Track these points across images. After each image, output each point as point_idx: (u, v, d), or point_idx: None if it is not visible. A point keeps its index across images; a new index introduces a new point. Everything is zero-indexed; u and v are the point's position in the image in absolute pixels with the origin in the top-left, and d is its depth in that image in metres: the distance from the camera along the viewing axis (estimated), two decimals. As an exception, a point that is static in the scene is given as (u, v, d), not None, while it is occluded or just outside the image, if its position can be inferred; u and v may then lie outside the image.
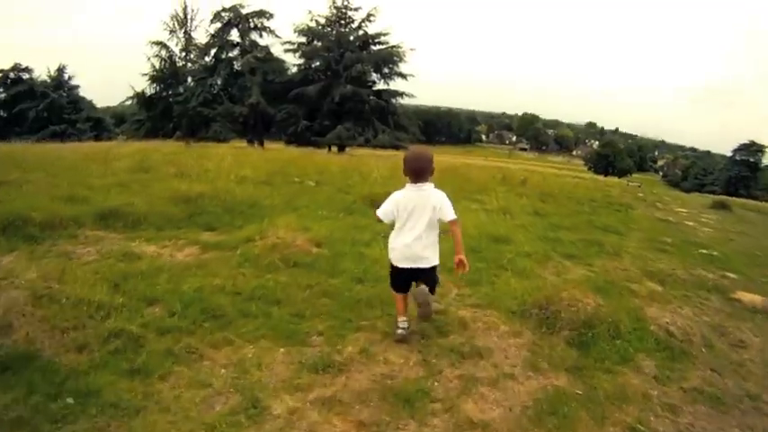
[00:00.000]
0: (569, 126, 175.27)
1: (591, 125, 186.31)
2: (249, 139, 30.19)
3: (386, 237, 3.60)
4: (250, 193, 7.64)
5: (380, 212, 3.30)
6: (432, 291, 3.29)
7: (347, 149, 29.10)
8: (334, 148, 29.28)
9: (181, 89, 30.68)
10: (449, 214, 3.15)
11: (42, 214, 5.33)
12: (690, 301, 4.86)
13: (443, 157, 35.95)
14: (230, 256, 4.67)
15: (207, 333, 3.22)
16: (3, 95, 38.09)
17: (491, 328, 3.66)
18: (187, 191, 6.89)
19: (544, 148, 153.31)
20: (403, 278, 3.31)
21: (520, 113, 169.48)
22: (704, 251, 7.57)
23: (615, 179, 51.46)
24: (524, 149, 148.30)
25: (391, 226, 3.35)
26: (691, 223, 11.70)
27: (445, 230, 3.32)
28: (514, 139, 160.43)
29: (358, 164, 13.53)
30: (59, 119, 37.23)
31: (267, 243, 4.78)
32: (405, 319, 3.36)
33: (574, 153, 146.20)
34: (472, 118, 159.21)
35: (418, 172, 3.20)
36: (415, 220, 3.19)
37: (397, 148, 28.54)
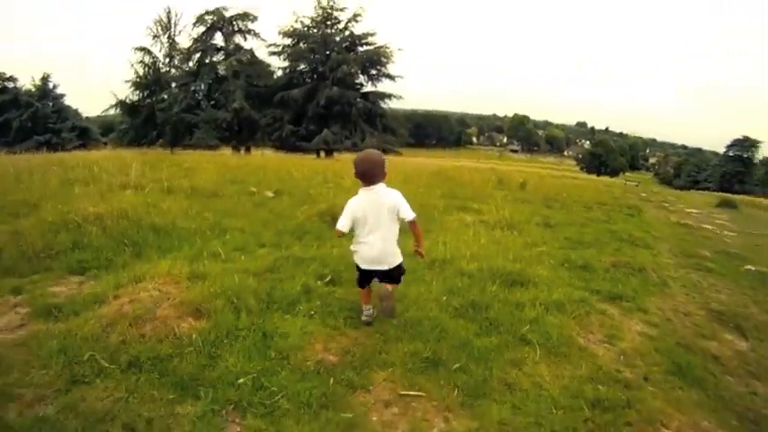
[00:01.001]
0: (559, 126, 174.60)
1: (581, 125, 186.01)
2: (234, 146, 28.50)
3: (330, 283, 3.40)
4: (170, 211, 5.71)
5: (339, 225, 3.17)
6: (398, 281, 3.32)
7: (335, 154, 27.40)
8: (323, 153, 27.67)
9: (164, 95, 28.90)
10: (408, 214, 3.11)
11: None
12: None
13: (433, 159, 34.12)
14: (45, 339, 2.68)
15: None
16: (-13, 105, 36.87)
17: None
18: (74, 211, 4.92)
19: (535, 148, 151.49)
20: (369, 277, 3.28)
21: (510, 115, 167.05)
22: (751, 267, 6.34)
23: (609, 178, 50.38)
24: (515, 151, 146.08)
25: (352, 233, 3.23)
26: (709, 227, 10.58)
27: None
28: (505, 140, 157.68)
29: (329, 169, 11.55)
30: (44, 128, 36.16)
31: (111, 312, 2.81)
32: (370, 306, 3.35)
33: (565, 153, 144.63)
34: (462, 120, 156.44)
35: (368, 174, 3.11)
36: (374, 224, 3.12)
37: (385, 151, 26.73)
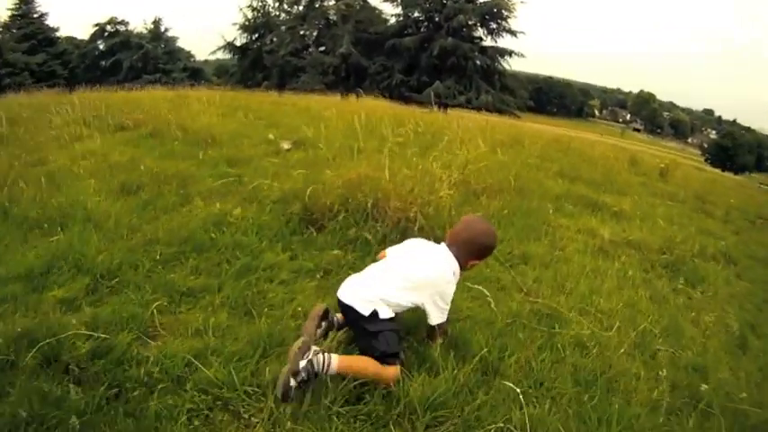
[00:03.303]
0: (685, 111, 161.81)
1: (707, 112, 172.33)
2: (342, 92, 27.97)
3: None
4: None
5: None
6: (372, 353, 1.98)
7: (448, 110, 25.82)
8: (437, 107, 26.06)
9: (273, 38, 29.52)
10: (432, 317, 2.17)
11: None
12: None
13: (552, 128, 31.12)
14: None
15: None
16: (102, 46, 39.47)
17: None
18: None
19: (659, 131, 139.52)
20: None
21: (635, 91, 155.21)
22: None
23: (733, 175, 47.70)
24: (638, 130, 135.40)
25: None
26: None
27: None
28: (628, 117, 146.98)
29: (423, 121, 8.13)
30: (154, 68, 37.60)
31: None
32: (306, 339, 1.98)
33: (689, 140, 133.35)
34: (586, 91, 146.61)
35: (459, 239, 2.25)
36: (391, 267, 2.21)
37: (501, 112, 25.15)
